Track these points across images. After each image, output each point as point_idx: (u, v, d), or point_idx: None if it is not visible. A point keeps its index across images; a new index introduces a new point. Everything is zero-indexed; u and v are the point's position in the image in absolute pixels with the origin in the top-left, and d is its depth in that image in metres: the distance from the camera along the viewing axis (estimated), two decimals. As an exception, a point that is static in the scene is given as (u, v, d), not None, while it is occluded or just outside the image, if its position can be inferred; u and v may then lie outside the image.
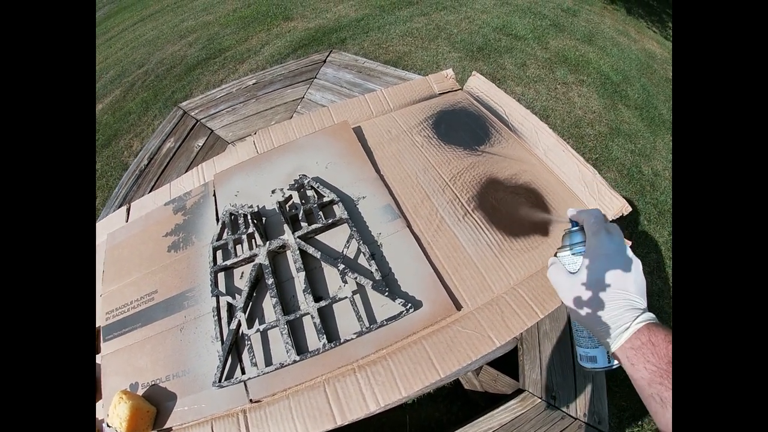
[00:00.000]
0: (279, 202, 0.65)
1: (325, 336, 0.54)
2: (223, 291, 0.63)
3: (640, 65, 3.51)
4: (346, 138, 0.79)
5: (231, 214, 0.70)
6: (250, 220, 0.64)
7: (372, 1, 4.01)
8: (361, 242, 0.61)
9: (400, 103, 0.90)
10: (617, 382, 1.48)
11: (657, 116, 2.98)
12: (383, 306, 0.57)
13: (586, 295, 0.48)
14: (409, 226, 0.65)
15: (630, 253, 0.49)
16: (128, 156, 2.98)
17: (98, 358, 0.66)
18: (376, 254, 0.61)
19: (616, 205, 0.67)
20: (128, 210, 0.85)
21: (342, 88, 1.38)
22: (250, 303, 0.61)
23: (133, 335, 0.65)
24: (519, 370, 1.16)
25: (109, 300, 0.70)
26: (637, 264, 0.48)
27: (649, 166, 2.59)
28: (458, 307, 0.57)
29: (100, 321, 0.69)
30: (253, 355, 0.57)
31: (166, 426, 0.58)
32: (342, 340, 0.54)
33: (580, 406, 1.10)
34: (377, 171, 0.73)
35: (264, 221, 0.69)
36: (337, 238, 0.65)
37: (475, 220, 0.66)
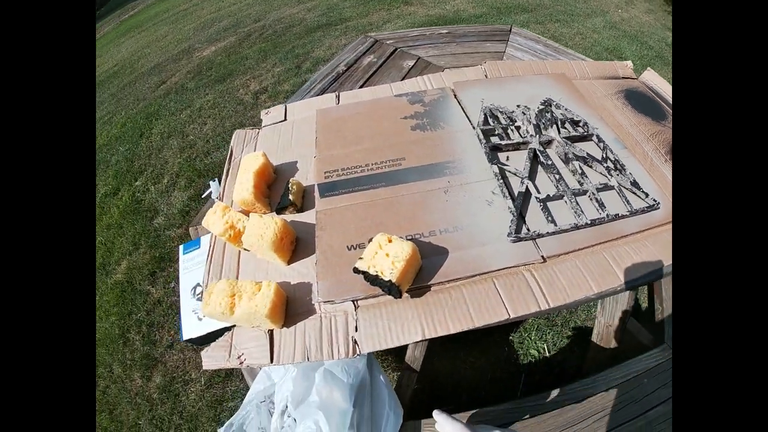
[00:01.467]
0: (539, 110, 0.82)
1: (605, 209, 0.69)
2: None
3: None
4: (567, 85, 0.95)
5: (490, 110, 0.86)
6: (521, 115, 0.81)
7: (488, 1, 4.15)
8: (610, 151, 0.77)
9: (596, 75, 1.05)
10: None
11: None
12: (636, 201, 0.72)
13: None
14: (633, 156, 0.81)
15: None
16: (244, 94, 3.20)
17: (312, 216, 0.72)
18: (624, 165, 0.77)
19: None
20: (338, 96, 0.99)
21: (537, 53, 1.51)
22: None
23: (374, 193, 0.72)
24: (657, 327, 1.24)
25: (329, 161, 0.79)
26: None
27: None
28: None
29: (316, 179, 0.76)
30: (548, 213, 0.67)
31: (435, 280, 0.61)
32: (618, 215, 0.69)
33: None
34: (598, 114, 0.89)
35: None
36: (583, 149, 0.80)
37: (671, 167, 0.82)
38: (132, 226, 2.39)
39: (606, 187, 0.73)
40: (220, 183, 1.22)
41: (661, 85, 1.07)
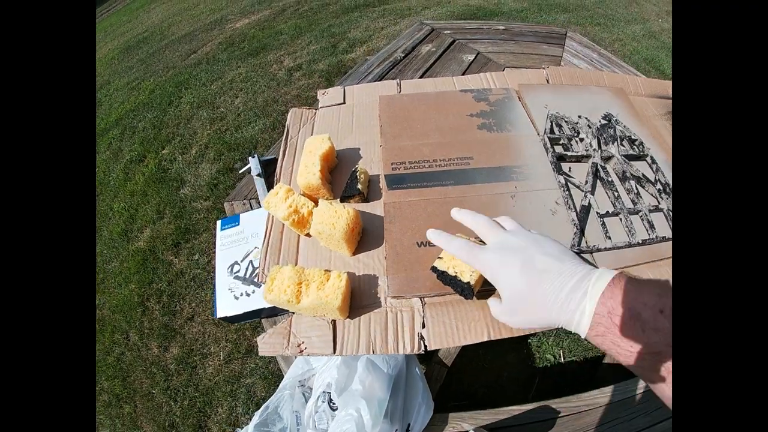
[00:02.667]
0: (600, 124, 0.81)
1: (654, 230, 0.68)
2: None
3: None
4: (625, 101, 0.93)
5: (555, 118, 0.85)
6: (585, 128, 0.80)
7: (530, -3, 4.09)
8: (663, 176, 0.76)
9: (648, 93, 1.02)
10: None
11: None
12: None
13: (521, 308, 0.48)
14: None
15: (528, 233, 0.52)
16: (278, 69, 3.18)
17: (378, 207, 0.71)
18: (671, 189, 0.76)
19: None
20: (399, 84, 0.97)
21: (593, 62, 1.48)
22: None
23: (444, 191, 0.72)
24: None
25: (396, 153, 0.78)
26: (542, 239, 0.50)
27: None
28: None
29: (383, 170, 0.75)
30: (606, 230, 0.68)
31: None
32: (665, 237, 0.68)
33: None
34: (652, 135, 0.87)
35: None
36: (639, 169, 0.79)
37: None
38: (157, 195, 2.39)
39: (656, 209, 0.72)
40: (259, 160, 1.21)
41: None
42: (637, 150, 0.81)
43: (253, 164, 1.23)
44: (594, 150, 0.78)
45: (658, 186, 0.75)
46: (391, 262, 0.63)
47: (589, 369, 1.54)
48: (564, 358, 1.59)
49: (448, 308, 0.60)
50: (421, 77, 1.45)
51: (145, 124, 2.96)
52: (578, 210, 0.70)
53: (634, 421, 1.02)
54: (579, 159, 0.79)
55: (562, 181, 0.74)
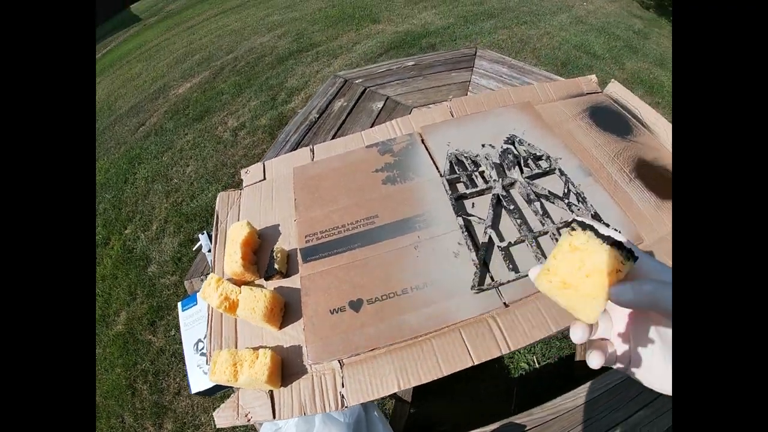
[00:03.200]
0: (500, 151, 0.85)
1: None
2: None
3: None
4: (532, 114, 0.99)
5: (455, 156, 0.89)
6: (482, 161, 0.84)
7: (454, 11, 4.23)
8: (572, 185, 0.81)
9: (560, 95, 1.09)
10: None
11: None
12: None
13: None
14: (598, 182, 0.84)
15: None
16: (223, 131, 3.23)
17: (297, 280, 0.76)
18: (585, 197, 0.80)
19: None
20: (312, 150, 1.01)
21: (503, 77, 1.54)
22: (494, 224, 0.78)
23: (352, 255, 0.75)
24: None
25: (309, 224, 0.82)
26: None
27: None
28: (641, 240, 0.76)
29: (299, 243, 0.80)
30: (509, 262, 0.71)
31: (409, 336, 0.65)
32: None
33: None
34: (562, 142, 0.93)
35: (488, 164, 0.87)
36: (548, 184, 0.83)
37: (637, 185, 0.85)
38: (126, 276, 2.41)
39: (566, 225, 0.75)
40: (209, 236, 1.24)
41: (626, 97, 1.11)
42: (542, 167, 0.86)
43: (204, 240, 1.27)
44: (494, 181, 0.83)
45: (569, 199, 0.80)
46: (308, 332, 0.68)
47: (565, 370, 1.56)
48: (539, 364, 1.62)
49: (363, 366, 0.66)
50: (334, 136, 1.50)
51: (106, 205, 2.97)
52: (479, 247, 0.74)
53: (606, 419, 1.04)
54: (481, 193, 0.83)
55: (461, 221, 0.78)
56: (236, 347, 0.72)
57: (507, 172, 0.85)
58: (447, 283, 0.71)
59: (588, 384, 1.11)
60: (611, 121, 1.02)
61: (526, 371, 1.61)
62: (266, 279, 0.77)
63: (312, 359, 0.66)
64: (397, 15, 4.28)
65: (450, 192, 0.83)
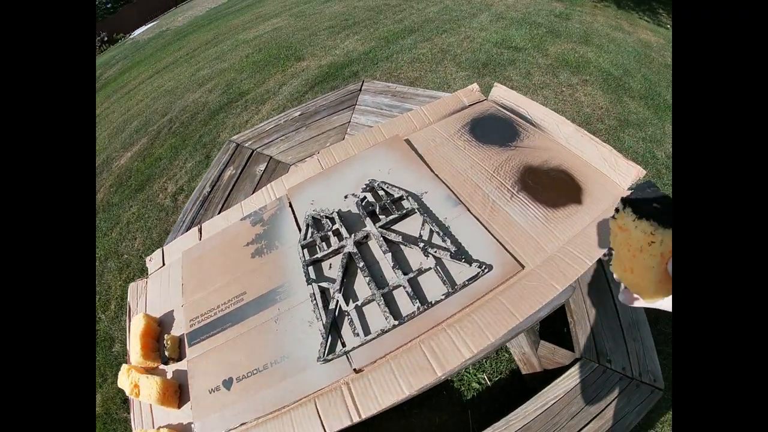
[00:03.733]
0: (358, 200, 0.79)
1: (418, 300, 0.66)
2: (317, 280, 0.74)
3: (638, 56, 3.63)
4: (400, 148, 0.93)
5: (313, 217, 0.83)
6: (336, 218, 0.77)
7: (375, 33, 4.24)
8: (433, 225, 0.74)
9: (438, 116, 1.05)
10: (665, 355, 1.56)
11: (662, 102, 3.10)
12: (460, 272, 0.69)
13: None
14: (468, 209, 0.78)
15: None
16: (164, 198, 3.17)
17: (184, 363, 0.77)
18: (446, 233, 0.74)
19: (632, 173, 0.80)
20: (200, 230, 0.98)
21: (382, 110, 1.52)
22: (343, 286, 0.73)
23: (225, 335, 0.75)
24: (573, 342, 1.27)
25: (193, 308, 0.82)
26: None
27: (661, 151, 2.70)
28: (522, 266, 0.69)
29: (185, 328, 0.80)
30: (355, 327, 0.67)
31: (270, 411, 0.66)
32: (432, 302, 0.66)
33: (634, 367, 1.19)
34: (432, 171, 0.87)
35: (343, 220, 0.82)
36: (410, 226, 0.78)
37: (521, 200, 0.79)
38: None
39: (421, 272, 0.71)
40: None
41: (511, 98, 1.06)
42: (402, 209, 0.80)
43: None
44: (346, 238, 0.77)
45: (428, 240, 0.75)
46: (194, 411, 0.70)
47: (517, 382, 1.50)
48: (490, 381, 1.55)
49: None
50: (221, 209, 1.48)
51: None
52: (327, 314, 0.70)
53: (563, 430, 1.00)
54: (336, 252, 0.78)
55: (312, 288, 0.74)
56: (153, 426, 0.76)
57: (366, 220, 0.79)
58: (301, 355, 0.69)
59: (538, 397, 1.08)
60: (494, 129, 0.97)
61: (479, 391, 1.55)
62: (164, 364, 0.79)
63: (199, 435, 0.67)
64: (320, 49, 4.28)
65: (305, 257, 0.78)
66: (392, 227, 0.79)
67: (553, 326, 1.58)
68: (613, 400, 1.13)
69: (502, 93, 1.08)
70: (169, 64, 6.21)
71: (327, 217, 0.82)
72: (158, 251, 1.00)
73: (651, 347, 1.22)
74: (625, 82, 3.27)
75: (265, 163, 1.58)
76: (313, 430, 0.62)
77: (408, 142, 0.96)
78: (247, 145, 1.75)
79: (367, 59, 3.77)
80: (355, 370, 0.66)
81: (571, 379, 1.19)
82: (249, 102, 3.76)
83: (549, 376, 1.31)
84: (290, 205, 0.91)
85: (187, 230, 1.21)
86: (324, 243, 0.80)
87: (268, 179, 1.51)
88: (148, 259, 1.00)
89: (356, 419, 0.61)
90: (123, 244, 2.97)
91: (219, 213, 1.20)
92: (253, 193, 1.04)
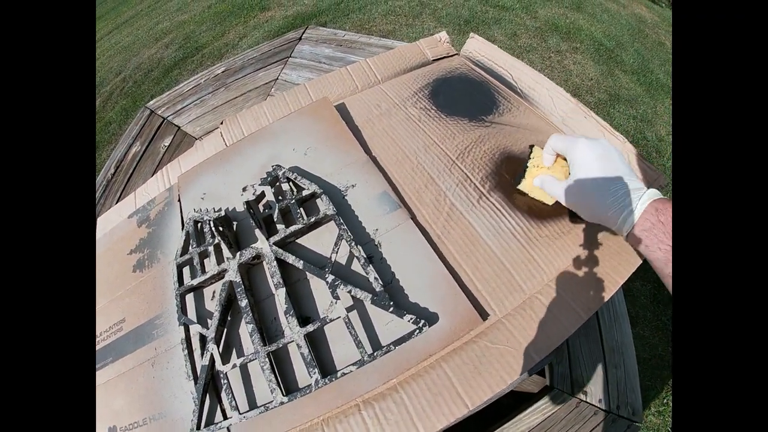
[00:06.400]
0: (248, 201, 0.52)
1: (317, 370, 0.42)
2: (193, 318, 0.51)
3: (632, 30, 3.39)
4: (327, 117, 0.66)
5: (196, 221, 0.57)
6: (214, 229, 0.51)
7: (347, -16, 3.85)
8: (353, 243, 0.48)
9: (389, 73, 0.77)
10: (641, 362, 1.40)
11: (654, 80, 2.87)
12: (388, 324, 0.45)
13: (585, 192, 0.47)
14: (413, 217, 0.52)
15: (608, 143, 0.50)
16: (108, 170, 2.87)
17: None
18: (374, 257, 0.49)
19: (650, 177, 0.57)
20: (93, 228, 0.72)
21: (321, 64, 1.23)
22: (224, 330, 0.49)
23: (106, 372, 0.54)
24: (547, 368, 1.06)
25: None
26: (618, 151, 0.49)
27: (652, 132, 2.48)
28: (483, 315, 0.45)
29: None
30: (232, 396, 0.44)
31: None
32: (339, 374, 0.42)
33: (612, 399, 1.00)
34: (368, 153, 0.61)
35: (234, 227, 0.56)
36: (323, 240, 0.52)
37: (493, 204, 0.54)
38: None
39: (326, 322, 0.45)
40: None
41: (489, 54, 0.79)
42: (313, 214, 0.53)
43: None
44: (228, 259, 0.51)
45: (340, 270, 0.50)
46: None
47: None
48: None
49: None
50: (119, 197, 1.21)
51: None
52: (202, 371, 0.46)
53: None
54: (219, 278, 0.53)
55: (184, 332, 0.49)
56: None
57: (262, 231, 0.52)
58: (178, 417, 0.48)
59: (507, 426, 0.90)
60: (464, 97, 0.71)
61: None
62: None
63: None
64: (288, -3, 3.88)
65: (178, 284, 0.53)
66: (296, 241, 0.53)
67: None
68: (585, 436, 0.94)
69: (479, 47, 0.81)
70: (130, 18, 5.67)
71: (214, 223, 0.55)
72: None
73: (634, 374, 1.03)
74: (618, 55, 3.03)
75: (171, 137, 1.29)
76: None
77: (342, 108, 0.69)
78: (159, 112, 1.44)
79: (338, 10, 3.39)
80: (236, 452, 0.43)
81: (538, 414, 1.00)
82: (205, 57, 3.37)
83: (517, 397, 1.12)
84: (179, 200, 0.64)
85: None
86: (206, 261, 0.55)
87: (170, 159, 1.23)
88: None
89: None
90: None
91: (117, 203, 0.92)
92: (152, 176, 0.76)
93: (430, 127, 0.65)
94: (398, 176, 0.58)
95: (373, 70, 0.77)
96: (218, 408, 0.46)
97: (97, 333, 0.57)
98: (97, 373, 0.55)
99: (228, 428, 0.44)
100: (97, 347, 0.56)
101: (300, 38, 1.39)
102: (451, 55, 0.82)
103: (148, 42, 4.34)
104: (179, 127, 1.31)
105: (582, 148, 0.48)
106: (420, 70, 0.78)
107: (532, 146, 0.57)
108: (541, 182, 0.53)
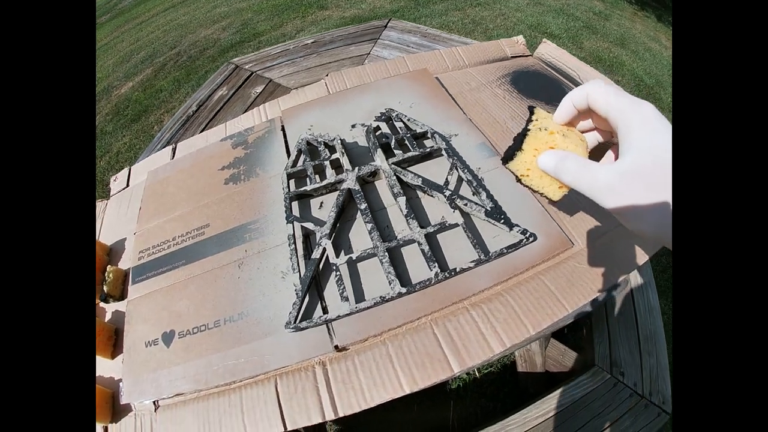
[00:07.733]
0: (367, 129, 0.62)
1: (436, 264, 0.49)
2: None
3: (671, 71, 3.48)
4: (427, 83, 0.76)
5: (308, 142, 0.65)
6: (337, 146, 0.60)
7: (405, -6, 4.00)
8: (464, 171, 0.57)
9: (474, 61, 0.87)
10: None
11: (691, 121, 2.94)
12: (495, 237, 0.52)
13: (657, 190, 0.33)
14: (507, 164, 0.62)
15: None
16: (158, 130, 3.02)
17: (124, 304, 0.60)
18: (481, 186, 0.57)
19: None
20: (174, 149, 0.81)
21: (410, 47, 1.32)
22: (334, 231, 0.55)
23: (174, 274, 0.58)
24: (587, 346, 1.12)
25: (145, 238, 0.64)
26: None
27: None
28: (572, 243, 0.53)
29: (132, 261, 0.62)
30: (344, 288, 0.49)
31: (214, 385, 0.48)
32: (457, 270, 0.49)
33: (645, 385, 1.05)
34: (464, 114, 0.70)
35: (347, 150, 0.64)
36: (433, 171, 0.60)
37: (570, 167, 0.63)
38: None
39: (444, 228, 0.53)
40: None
41: (561, 57, 0.89)
42: (425, 148, 0.62)
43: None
44: (347, 171, 0.59)
45: (456, 188, 0.58)
46: (126, 366, 0.52)
47: (509, 379, 1.37)
48: (479, 373, 1.41)
49: (173, 412, 0.50)
50: (204, 130, 1.28)
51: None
52: (308, 265, 0.52)
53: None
54: (333, 188, 0.60)
55: (292, 230, 0.55)
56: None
57: (376, 153, 0.61)
58: (265, 315, 0.51)
59: (525, 410, 0.98)
60: (539, 85, 0.80)
61: (464, 381, 1.42)
62: (103, 302, 0.63)
63: (125, 398, 0.50)
64: (345, 0, 4.04)
65: (288, 189, 0.60)
66: (410, 167, 0.61)
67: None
68: (619, 418, 0.99)
69: (550, 51, 0.91)
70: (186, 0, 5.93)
71: (326, 144, 0.64)
72: (125, 171, 0.84)
73: (665, 365, 1.08)
74: (657, 92, 3.11)
75: (263, 86, 1.37)
76: (269, 420, 0.45)
77: (437, 80, 0.79)
78: (247, 67, 1.54)
79: (394, 18, 3.54)
80: (336, 347, 0.48)
81: (580, 388, 1.05)
82: (262, 44, 3.53)
83: (547, 378, 1.18)
84: (282, 129, 0.73)
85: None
86: (317, 175, 0.62)
87: (263, 101, 1.30)
88: (113, 178, 0.84)
89: (330, 416, 0.44)
90: (109, 173, 2.80)
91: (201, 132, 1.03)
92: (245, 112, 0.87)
93: (514, 104, 0.74)
94: (491, 134, 0.67)
95: (462, 57, 0.87)
96: (319, 305, 0.49)
97: (169, 238, 0.62)
98: (163, 276, 0.58)
99: (331, 323, 0.48)
100: (168, 251, 0.61)
101: (386, 26, 1.50)
102: (526, 55, 0.93)
103: (205, 23, 4.52)
104: (271, 80, 1.39)
105: (652, 116, 0.33)
106: (500, 63, 0.88)
107: (531, 107, 0.43)
108: (560, 161, 0.38)
